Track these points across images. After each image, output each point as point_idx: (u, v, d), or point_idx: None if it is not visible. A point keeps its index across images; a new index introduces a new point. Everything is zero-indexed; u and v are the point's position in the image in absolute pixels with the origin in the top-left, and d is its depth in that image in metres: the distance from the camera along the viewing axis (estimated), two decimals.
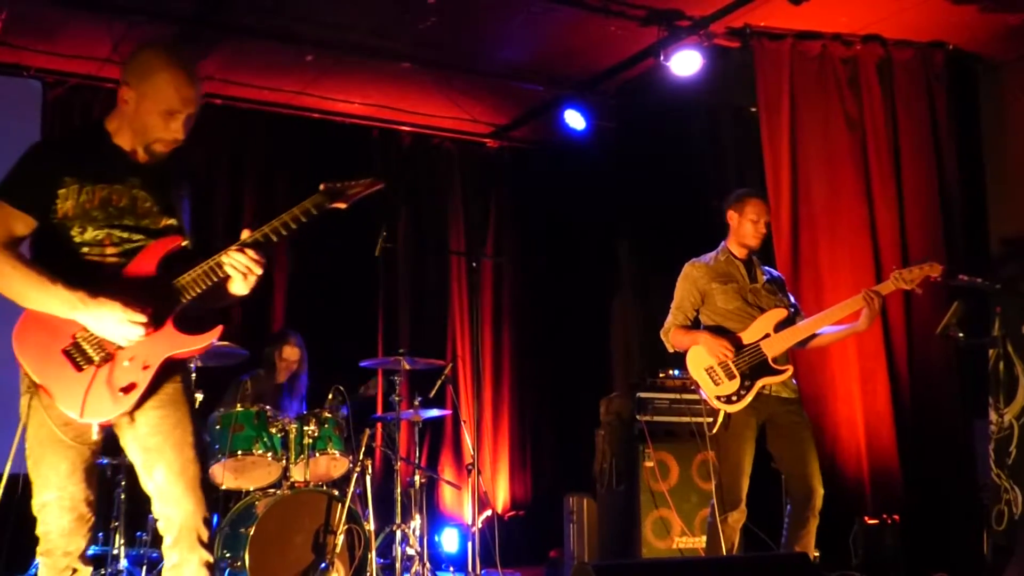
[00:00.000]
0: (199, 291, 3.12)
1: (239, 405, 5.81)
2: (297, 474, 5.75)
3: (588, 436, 6.92)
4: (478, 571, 6.12)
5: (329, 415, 5.89)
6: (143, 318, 3.00)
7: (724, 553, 4.94)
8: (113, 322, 2.98)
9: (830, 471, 6.42)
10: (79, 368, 3.02)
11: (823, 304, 5.64)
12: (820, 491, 5.00)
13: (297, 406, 6.79)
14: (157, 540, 5.74)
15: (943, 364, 6.49)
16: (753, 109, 6.98)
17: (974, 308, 5.57)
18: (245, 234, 3.14)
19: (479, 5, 6.51)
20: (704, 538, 5.54)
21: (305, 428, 5.77)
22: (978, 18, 6.43)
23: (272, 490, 5.71)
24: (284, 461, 5.74)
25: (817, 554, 6.13)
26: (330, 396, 5.97)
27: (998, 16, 6.40)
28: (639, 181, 8.16)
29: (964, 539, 6.08)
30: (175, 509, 3.12)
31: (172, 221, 3.22)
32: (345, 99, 8.02)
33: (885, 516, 6.07)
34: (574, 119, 7.82)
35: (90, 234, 3.08)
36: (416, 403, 6.32)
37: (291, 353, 6.78)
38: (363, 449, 5.83)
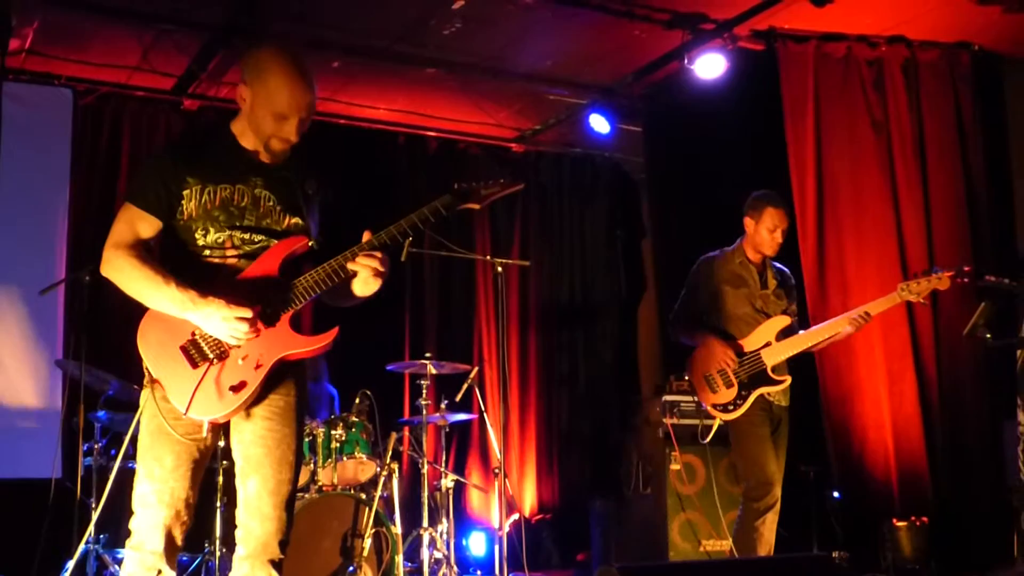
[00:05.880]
0: (314, 294, 3.12)
1: None
2: (324, 478, 5.79)
3: (615, 439, 6.93)
4: (505, 575, 6.13)
5: (356, 419, 5.93)
6: (248, 313, 2.98)
7: (754, 541, 4.98)
8: (218, 320, 2.98)
9: (858, 472, 6.43)
10: (195, 364, 3.03)
11: (849, 306, 5.64)
12: (779, 495, 5.14)
13: (323, 412, 6.80)
14: (187, 546, 5.83)
15: (971, 365, 6.46)
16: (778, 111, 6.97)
17: (1002, 309, 5.55)
18: (366, 236, 3.15)
19: (503, 10, 6.53)
20: (731, 541, 5.57)
21: (332, 432, 5.81)
22: (1004, 18, 6.39)
23: (300, 494, 5.74)
24: (312, 465, 5.78)
25: (846, 555, 6.14)
26: (357, 400, 6.00)
27: None
28: (664, 183, 8.18)
29: (993, 541, 6.05)
30: (259, 525, 3.11)
31: (297, 220, 3.21)
32: (371, 105, 8.06)
33: (913, 518, 6.05)
34: (599, 123, 7.84)
35: (212, 236, 3.10)
36: (443, 407, 6.34)
37: None
38: (390, 453, 5.86)
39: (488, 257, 7.22)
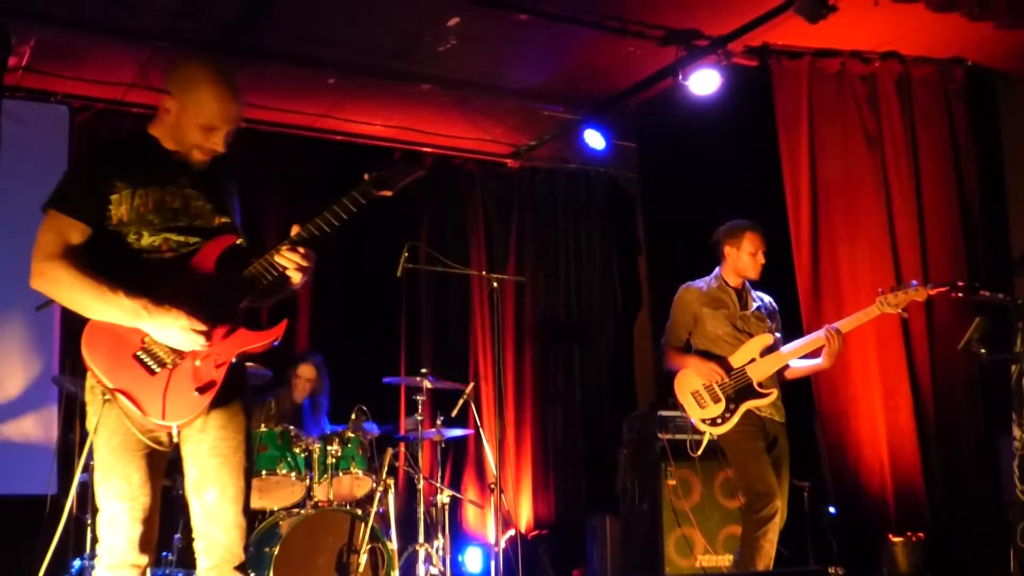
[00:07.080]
0: (254, 288, 3.13)
1: (263, 425, 5.84)
2: (320, 494, 5.79)
3: (611, 455, 6.93)
4: None
5: (352, 435, 5.92)
6: (205, 328, 2.99)
7: (754, 552, 4.98)
8: (176, 330, 2.96)
9: (853, 488, 6.43)
10: (151, 372, 3.00)
11: (844, 318, 5.65)
12: (784, 515, 5.15)
13: (318, 427, 6.79)
14: (184, 561, 5.83)
15: (966, 380, 6.47)
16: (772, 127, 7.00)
17: (996, 323, 5.55)
18: (295, 230, 3.14)
19: (498, 27, 6.56)
20: (727, 556, 5.56)
21: (328, 448, 5.81)
22: (996, 34, 6.42)
23: (296, 510, 5.74)
24: (308, 481, 5.78)
25: (842, 570, 6.13)
26: (353, 416, 6.00)
27: (1016, 32, 6.40)
28: (659, 199, 8.20)
29: (990, 556, 6.04)
30: (222, 534, 3.11)
31: (225, 219, 3.21)
32: (367, 121, 8.08)
33: (910, 533, 6.05)
34: (594, 139, 7.86)
35: (147, 240, 3.07)
36: (439, 422, 6.34)
37: (305, 371, 6.76)
38: (386, 468, 5.86)
39: (484, 273, 7.25)
